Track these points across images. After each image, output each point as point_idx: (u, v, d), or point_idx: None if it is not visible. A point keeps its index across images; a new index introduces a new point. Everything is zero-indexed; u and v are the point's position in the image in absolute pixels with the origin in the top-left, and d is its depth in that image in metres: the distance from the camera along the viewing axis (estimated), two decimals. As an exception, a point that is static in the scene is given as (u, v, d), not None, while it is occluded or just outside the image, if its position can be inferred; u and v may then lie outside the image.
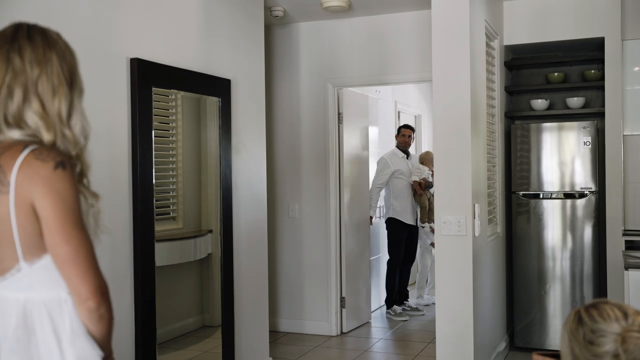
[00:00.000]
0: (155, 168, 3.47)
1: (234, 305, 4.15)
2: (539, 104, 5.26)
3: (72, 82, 1.58)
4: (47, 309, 1.53)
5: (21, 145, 1.50)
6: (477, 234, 3.97)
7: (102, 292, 1.51)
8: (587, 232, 4.91)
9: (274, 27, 5.76)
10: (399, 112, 7.59)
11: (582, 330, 1.41)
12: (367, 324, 6.10)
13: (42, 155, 1.48)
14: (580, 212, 4.93)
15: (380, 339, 5.64)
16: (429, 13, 4.50)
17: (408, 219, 6.35)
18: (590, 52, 5.19)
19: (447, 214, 3.90)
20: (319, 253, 5.68)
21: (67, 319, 1.53)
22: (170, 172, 3.89)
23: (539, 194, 5.02)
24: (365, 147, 6.14)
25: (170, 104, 3.86)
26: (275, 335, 5.59)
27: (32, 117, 1.52)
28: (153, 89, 3.46)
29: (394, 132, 6.86)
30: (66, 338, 1.52)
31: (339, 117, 5.72)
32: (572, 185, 4.95)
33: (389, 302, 6.40)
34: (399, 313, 6.30)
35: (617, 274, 4.58)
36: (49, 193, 1.46)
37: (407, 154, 6.50)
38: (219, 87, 4.04)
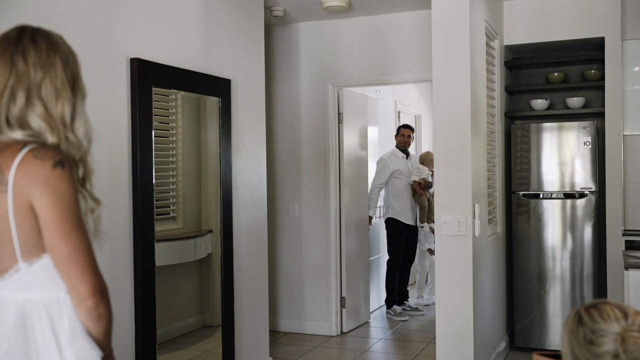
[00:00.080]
0: (155, 168, 3.47)
1: (234, 305, 4.15)
2: (539, 104, 5.26)
3: (74, 85, 1.58)
4: (46, 309, 1.52)
5: (20, 144, 1.49)
6: (477, 234, 3.97)
7: (100, 291, 1.51)
8: (587, 232, 4.91)
9: (274, 27, 5.76)
10: (399, 112, 7.59)
11: (582, 330, 1.41)
12: (367, 324, 6.10)
13: (40, 154, 1.47)
14: (580, 212, 4.93)
15: (380, 339, 5.64)
16: (429, 13, 4.50)
17: (407, 219, 6.34)
18: (590, 52, 5.19)
19: (447, 214, 3.90)
20: (318, 253, 5.68)
21: (66, 318, 1.52)
22: (170, 172, 3.89)
23: (539, 194, 5.01)
24: (365, 147, 6.14)
25: (170, 104, 3.86)
26: (275, 335, 5.59)
27: (35, 120, 1.51)
28: (153, 88, 3.46)
29: (394, 132, 6.86)
30: (65, 338, 1.52)
31: (339, 117, 5.72)
32: (572, 185, 4.95)
33: (389, 302, 6.40)
34: (399, 313, 6.30)
35: (617, 274, 4.58)
36: (48, 192, 1.45)
37: (407, 154, 6.50)
38: (219, 87, 4.04)
